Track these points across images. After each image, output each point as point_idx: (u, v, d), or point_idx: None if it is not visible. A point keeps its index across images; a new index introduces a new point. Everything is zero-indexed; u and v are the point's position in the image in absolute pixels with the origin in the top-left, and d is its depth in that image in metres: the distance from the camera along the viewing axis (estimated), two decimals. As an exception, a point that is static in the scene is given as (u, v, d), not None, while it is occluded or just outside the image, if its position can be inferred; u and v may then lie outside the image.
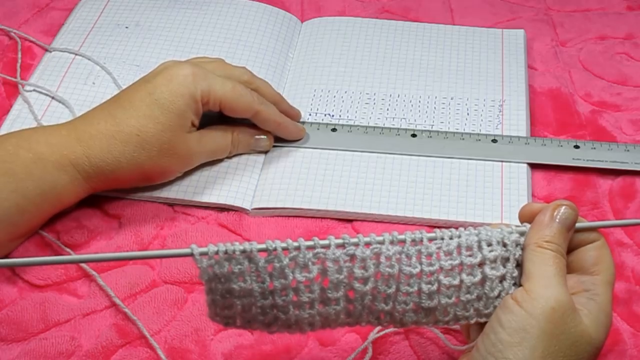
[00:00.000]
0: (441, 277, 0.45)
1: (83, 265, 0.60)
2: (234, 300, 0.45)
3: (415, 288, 0.45)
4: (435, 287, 0.45)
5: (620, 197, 0.66)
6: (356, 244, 0.45)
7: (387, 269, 0.45)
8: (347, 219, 0.65)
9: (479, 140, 0.69)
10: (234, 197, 0.65)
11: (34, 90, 0.74)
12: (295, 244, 0.44)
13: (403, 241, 0.45)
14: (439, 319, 0.46)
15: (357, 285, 0.45)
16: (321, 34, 0.81)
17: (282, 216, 0.65)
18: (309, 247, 0.45)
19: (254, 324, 0.46)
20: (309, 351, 0.56)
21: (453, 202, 0.65)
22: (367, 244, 0.45)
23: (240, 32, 0.80)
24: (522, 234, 0.47)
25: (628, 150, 0.69)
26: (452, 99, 0.74)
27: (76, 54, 0.78)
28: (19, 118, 0.71)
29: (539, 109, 0.74)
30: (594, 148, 0.69)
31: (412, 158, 0.68)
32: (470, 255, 0.46)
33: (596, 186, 0.67)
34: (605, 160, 0.68)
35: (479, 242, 0.46)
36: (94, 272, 0.59)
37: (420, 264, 0.45)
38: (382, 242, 0.45)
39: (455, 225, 0.56)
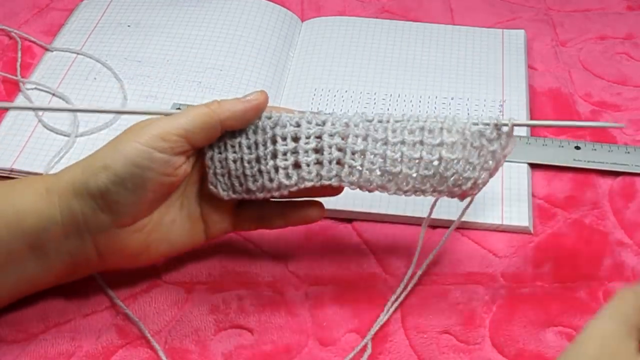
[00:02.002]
0: (404, 149, 0.53)
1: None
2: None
3: (382, 151, 0.53)
4: (398, 155, 0.53)
5: (620, 197, 0.66)
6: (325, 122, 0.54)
7: (355, 130, 0.53)
8: (347, 219, 0.65)
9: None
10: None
11: (35, 88, 0.74)
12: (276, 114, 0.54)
13: (370, 121, 0.54)
14: (400, 186, 0.53)
15: (326, 138, 0.53)
16: (321, 34, 0.81)
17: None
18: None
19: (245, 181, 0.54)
20: (309, 351, 0.56)
21: (454, 202, 0.65)
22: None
23: (242, 29, 0.80)
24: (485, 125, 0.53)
25: (628, 152, 0.69)
26: (452, 99, 0.74)
27: (78, 53, 0.78)
28: (20, 115, 0.71)
29: (539, 109, 0.74)
30: (595, 149, 0.69)
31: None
32: (431, 137, 0.53)
33: (596, 186, 0.67)
34: (606, 162, 0.68)
35: (441, 129, 0.53)
36: (94, 272, 0.59)
37: (386, 134, 0.53)
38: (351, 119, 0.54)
39: (457, 227, 0.60)
